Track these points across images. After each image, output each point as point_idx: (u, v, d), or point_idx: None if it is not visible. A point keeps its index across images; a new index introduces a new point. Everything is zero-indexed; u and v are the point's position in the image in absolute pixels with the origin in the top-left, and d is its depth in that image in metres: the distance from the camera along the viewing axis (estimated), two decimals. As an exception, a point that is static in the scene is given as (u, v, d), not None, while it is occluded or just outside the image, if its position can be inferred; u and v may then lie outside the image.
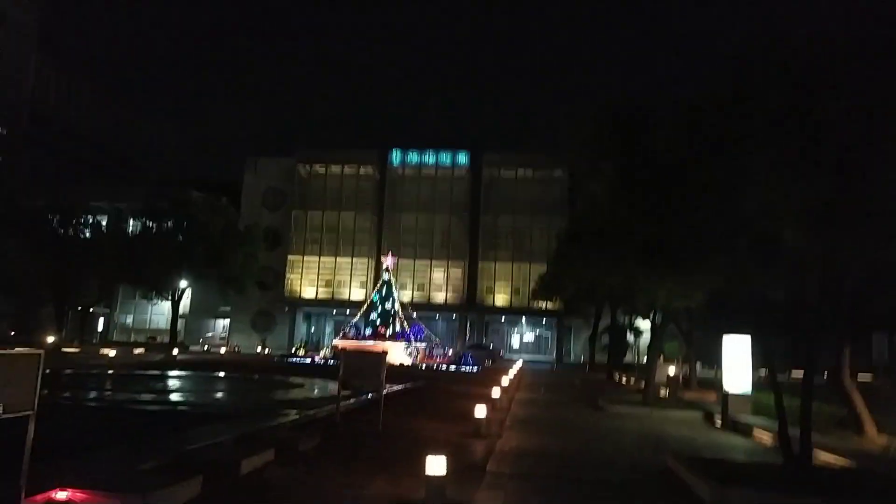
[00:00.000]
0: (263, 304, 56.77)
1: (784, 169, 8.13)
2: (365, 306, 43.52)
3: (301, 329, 58.58)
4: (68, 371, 22.49)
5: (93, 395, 16.64)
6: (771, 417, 13.39)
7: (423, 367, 34.81)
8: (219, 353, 42.85)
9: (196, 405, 14.77)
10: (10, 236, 41.44)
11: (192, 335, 56.64)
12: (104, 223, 49.27)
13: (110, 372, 22.69)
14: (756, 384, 15.43)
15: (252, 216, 55.21)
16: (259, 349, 47.81)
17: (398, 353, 37.42)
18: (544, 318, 56.40)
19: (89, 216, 44.14)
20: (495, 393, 15.50)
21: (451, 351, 44.77)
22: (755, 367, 15.31)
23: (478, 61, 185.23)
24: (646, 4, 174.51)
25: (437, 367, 35.78)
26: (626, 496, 7.52)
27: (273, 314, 57.25)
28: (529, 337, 61.73)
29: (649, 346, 22.38)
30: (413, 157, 57.41)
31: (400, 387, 18.95)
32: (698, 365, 26.39)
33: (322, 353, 39.46)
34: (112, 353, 28.35)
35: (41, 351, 5.24)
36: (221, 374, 23.98)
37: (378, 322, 40.75)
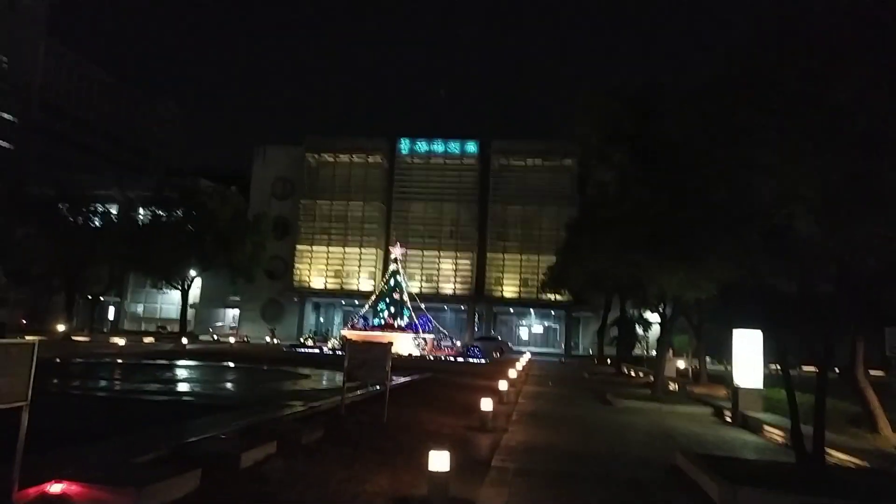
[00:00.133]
0: (273, 294, 57.00)
1: (799, 155, 7.90)
2: (373, 297, 43.49)
3: (310, 319, 58.75)
4: (78, 360, 22.63)
5: (99, 384, 16.65)
6: (782, 414, 13.18)
7: (431, 359, 34.75)
8: (228, 342, 43.00)
9: (201, 396, 14.75)
10: (22, 224, 41.69)
11: (202, 324, 56.97)
12: (114, 212, 49.46)
13: (119, 361, 22.76)
14: (767, 379, 15.19)
15: (261, 205, 55.26)
16: (268, 339, 47.96)
17: (406, 345, 37.37)
18: (553, 310, 56.20)
19: (99, 205, 44.27)
20: (502, 386, 15.39)
21: (458, 342, 44.69)
22: (766, 362, 15.07)
23: (487, 49, 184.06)
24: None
25: (445, 358, 35.70)
26: (634, 494, 7.36)
27: (282, 304, 57.43)
28: (538, 329, 61.59)
29: (658, 340, 22.15)
30: (422, 145, 57.15)
31: (406, 378, 18.87)
32: (708, 359, 26.13)
33: (330, 344, 39.48)
34: (121, 342, 28.47)
35: (35, 341, 5.15)
36: (229, 364, 23.99)
37: (386, 313, 40.71)
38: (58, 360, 21.83)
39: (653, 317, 33.36)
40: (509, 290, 55.29)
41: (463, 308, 56.41)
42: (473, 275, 55.54)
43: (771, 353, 14.66)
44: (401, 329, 39.39)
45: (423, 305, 43.85)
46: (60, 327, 36.98)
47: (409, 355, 35.19)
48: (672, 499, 7.25)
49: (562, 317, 56.24)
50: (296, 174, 58.07)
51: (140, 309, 61.75)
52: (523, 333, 61.17)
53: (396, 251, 42.46)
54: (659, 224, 11.00)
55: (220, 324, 59.78)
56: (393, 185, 57.22)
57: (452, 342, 43.61)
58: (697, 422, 14.12)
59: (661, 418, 14.23)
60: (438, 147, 56.91)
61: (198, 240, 40.74)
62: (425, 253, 55.70)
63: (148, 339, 37.76)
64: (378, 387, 13.73)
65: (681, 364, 28.02)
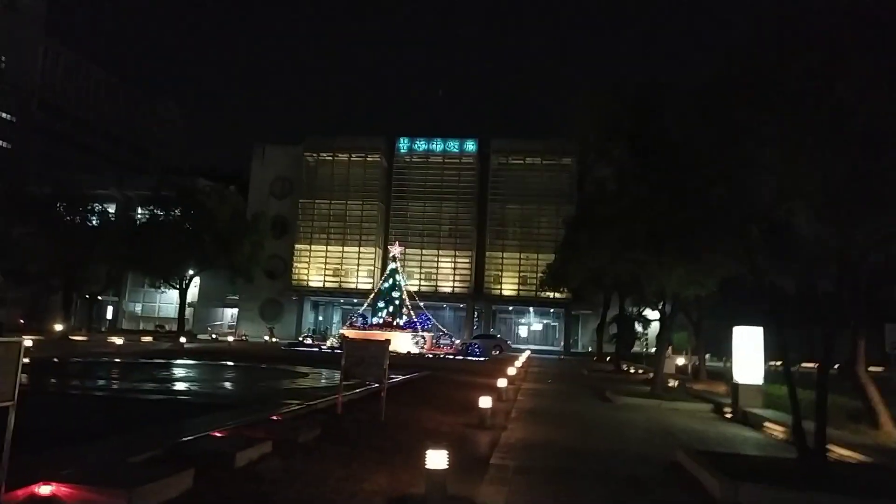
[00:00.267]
0: (271, 293, 56.90)
1: (799, 153, 7.84)
2: (372, 295, 43.43)
3: (309, 318, 58.68)
4: (76, 359, 22.55)
5: (96, 383, 16.56)
6: (782, 410, 13.11)
7: (431, 357, 34.68)
8: (226, 341, 42.91)
9: (198, 395, 14.66)
10: (20, 224, 41.56)
11: (201, 323, 56.88)
12: (113, 211, 49.28)
13: (116, 360, 22.67)
14: (767, 376, 15.13)
15: (259, 204, 55.17)
16: (267, 338, 47.90)
17: (405, 343, 37.32)
18: (552, 308, 56.13)
19: (98, 204, 44.16)
20: (501, 383, 15.31)
21: (458, 341, 44.64)
22: (766, 359, 15.01)
23: (486, 48, 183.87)
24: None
25: (444, 356, 35.63)
26: (634, 491, 7.26)
27: (281, 303, 57.34)
28: (537, 327, 61.54)
29: (658, 337, 22.09)
30: (420, 144, 56.97)
31: (405, 376, 18.78)
32: (707, 356, 26.08)
33: (329, 342, 39.41)
34: (119, 341, 28.36)
35: (21, 339, 5.05)
36: (227, 362, 23.91)
37: (385, 311, 40.67)
38: (56, 360, 21.79)
39: (652, 314, 33.34)
40: (508, 289, 55.22)
41: (462, 306, 56.35)
42: (472, 273, 55.45)
43: (771, 349, 14.61)
44: (400, 327, 39.34)
45: (422, 304, 43.81)
46: (58, 327, 36.84)
47: (409, 353, 35.13)
48: (672, 496, 7.16)
49: (561, 315, 56.19)
50: (294, 173, 57.96)
51: (138, 308, 61.62)
52: (522, 331, 61.12)
53: (395, 250, 42.42)
54: (658, 221, 10.92)
55: (218, 323, 59.68)
56: (392, 184, 57.11)
57: (451, 340, 43.56)
58: (697, 418, 14.03)
59: (661, 415, 14.14)
60: (437, 146, 56.76)
61: (196, 239, 40.64)
62: (424, 251, 55.61)
63: (146, 339, 37.65)
64: (376, 385, 13.68)
65: (680, 361, 27.98)
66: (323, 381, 18.13)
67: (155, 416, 10.09)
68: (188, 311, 50.67)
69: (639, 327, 36.85)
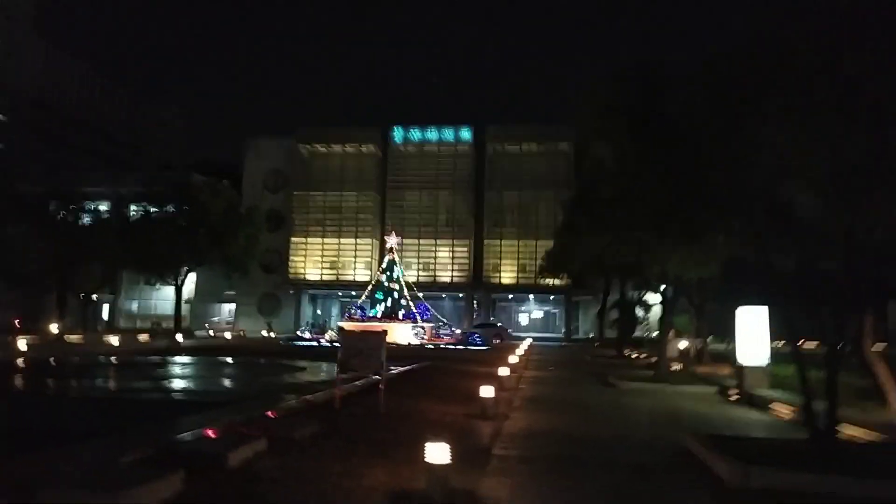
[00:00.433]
0: (269, 288, 56.60)
1: (807, 128, 7.60)
2: (370, 287, 43.18)
3: (307, 311, 58.43)
4: (72, 359, 22.37)
5: (90, 383, 16.33)
6: (788, 390, 12.94)
7: (431, 347, 34.50)
8: (224, 337, 42.68)
9: (194, 392, 14.47)
10: (12, 224, 41.13)
11: (199, 320, 56.56)
12: (105, 208, 48.76)
13: (112, 360, 22.47)
14: (771, 356, 14.94)
15: (254, 198, 54.64)
16: (265, 333, 47.67)
17: (404, 334, 37.14)
18: (552, 295, 55.91)
19: (90, 202, 43.74)
20: (503, 372, 15.07)
21: (458, 330, 44.49)
22: (771, 339, 14.81)
23: (478, 31, 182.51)
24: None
25: (445, 346, 35.46)
26: (641, 478, 7.06)
27: (278, 297, 57.07)
28: (537, 314, 61.38)
29: (660, 320, 21.88)
30: (415, 133, 56.43)
31: (404, 368, 18.58)
32: (710, 338, 25.91)
33: (328, 336, 39.21)
34: (115, 340, 28.11)
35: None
36: (224, 359, 23.71)
37: (383, 303, 40.45)
38: (52, 361, 21.59)
39: (653, 298, 33.14)
40: (507, 277, 54.98)
41: (461, 296, 56.12)
42: (471, 262, 55.17)
43: (774, 329, 14.42)
44: (399, 318, 39.13)
45: (420, 294, 43.60)
46: (53, 327, 36.57)
47: (408, 344, 34.94)
48: (681, 481, 6.96)
49: (561, 301, 56.00)
50: (288, 166, 57.51)
51: (135, 306, 61.16)
52: (523, 319, 60.97)
53: (392, 241, 42.13)
54: (659, 201, 10.67)
55: (216, 319, 59.34)
56: (387, 174, 56.66)
57: (451, 330, 43.40)
58: (702, 401, 13.87)
59: (666, 399, 13.96)
60: (432, 135, 56.23)
61: (190, 234, 40.23)
62: (422, 242, 55.28)
63: (142, 337, 37.37)
64: (375, 377, 13.44)
65: (683, 344, 27.79)
66: (321, 375, 17.93)
67: (147, 416, 9.89)
68: (185, 307, 50.29)
69: (640, 312, 36.62)
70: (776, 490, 6.32)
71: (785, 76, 7.61)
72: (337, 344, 31.50)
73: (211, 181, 45.06)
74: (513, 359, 18.86)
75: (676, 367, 20.23)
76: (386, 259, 42.48)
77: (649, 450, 8.48)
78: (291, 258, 56.17)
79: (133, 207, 46.31)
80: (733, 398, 14.14)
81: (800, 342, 8.89)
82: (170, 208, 42.03)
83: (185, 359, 23.58)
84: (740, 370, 14.19)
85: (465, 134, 56.05)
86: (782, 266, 9.87)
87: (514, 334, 45.99)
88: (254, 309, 56.96)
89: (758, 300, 14.25)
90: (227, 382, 17.87)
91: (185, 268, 43.22)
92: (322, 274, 56.31)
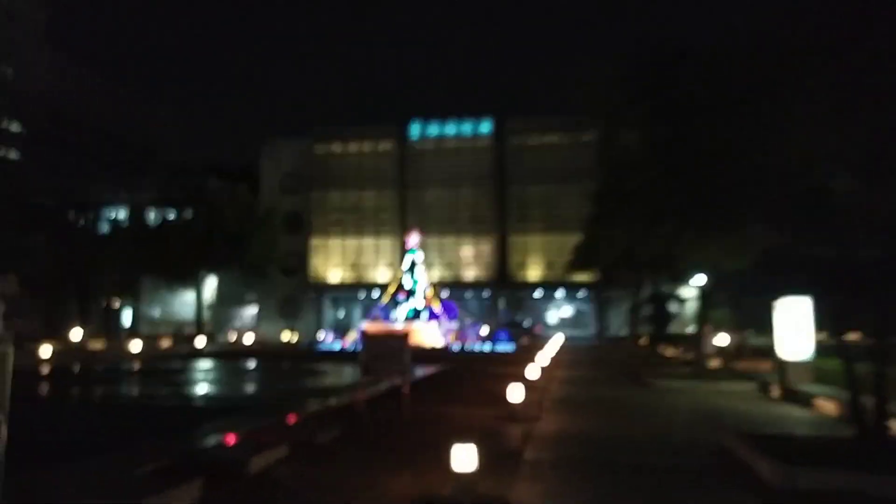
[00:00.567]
0: (289, 291, 56.06)
1: (844, 106, 7.16)
2: (392, 288, 42.79)
3: (329, 314, 57.80)
4: (94, 367, 22.61)
5: (109, 391, 16.38)
6: (832, 385, 12.34)
7: (457, 349, 34.14)
8: (245, 342, 42.84)
9: (213, 398, 14.41)
10: (33, 233, 41.92)
11: (220, 325, 56.32)
12: (124, 215, 49.27)
13: (133, 367, 22.59)
14: (816, 350, 14.29)
15: (271, 200, 53.92)
16: (286, 337, 47.64)
17: (429, 335, 36.75)
18: (581, 292, 54.88)
19: (108, 209, 44.43)
20: (532, 372, 14.68)
21: (484, 330, 44.03)
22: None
23: (495, 20, 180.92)
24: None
25: (471, 347, 35.06)
26: (680, 482, 6.67)
27: (300, 300, 56.64)
28: (567, 312, 60.31)
29: (697, 315, 21.24)
30: (433, 128, 55.12)
31: (430, 370, 18.28)
32: (748, 332, 25.14)
33: (350, 338, 39.01)
34: (136, 346, 28.18)
35: (10, 349, 4.60)
36: (245, 363, 23.67)
37: (407, 303, 40.09)
38: (74, 368, 21.80)
39: (688, 292, 32.33)
40: (534, 273, 53.94)
41: (486, 294, 55.33)
42: (496, 259, 54.26)
43: (816, 321, 13.79)
44: (423, 319, 38.79)
45: (444, 294, 43.11)
46: (75, 334, 37.07)
47: (433, 347, 34.64)
48: (722, 485, 6.54)
49: (591, 298, 54.86)
50: (305, 166, 56.68)
51: (157, 312, 61.16)
52: (551, 317, 60.00)
53: (413, 239, 41.69)
54: (692, 189, 10.20)
55: (237, 323, 59.51)
56: (405, 171, 55.57)
57: (478, 330, 42.97)
58: (742, 399, 13.48)
59: (704, 397, 13.55)
60: (450, 129, 54.95)
61: (208, 239, 40.33)
62: (444, 240, 54.23)
63: (164, 343, 37.75)
64: (399, 380, 13.18)
65: (721, 339, 27.01)
66: (344, 379, 17.74)
67: (167, 423, 9.80)
68: (207, 312, 50.51)
69: (674, 307, 35.79)
70: (823, 492, 5.97)
71: (818, 48, 7.18)
72: (360, 347, 31.45)
73: (227, 185, 45.19)
74: (542, 358, 18.45)
75: (714, 363, 19.58)
76: (408, 259, 42.00)
77: (687, 452, 8.14)
78: (311, 260, 55.78)
79: (150, 213, 46.81)
80: (775, 395, 13.56)
81: (843, 334, 8.42)
82: (187, 213, 42.38)
83: (207, 364, 23.60)
84: (781, 365, 13.57)
85: (485, 127, 54.85)
86: (822, 254, 9.38)
87: (544, 332, 45.35)
88: (275, 312, 56.41)
89: (799, 291, 13.62)
90: (247, 387, 17.81)
91: (204, 272, 43.42)
92: (343, 276, 55.98)
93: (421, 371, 17.20)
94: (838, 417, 10.30)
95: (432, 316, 39.26)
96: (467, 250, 54.50)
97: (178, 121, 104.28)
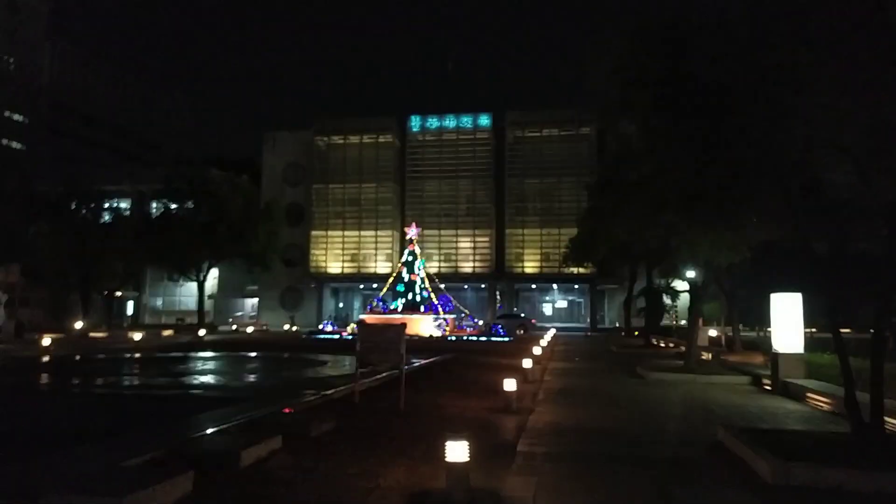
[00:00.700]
0: (290, 282, 56.54)
1: (846, 94, 7.09)
2: (391, 279, 42.90)
3: (329, 305, 58.38)
4: (95, 356, 22.58)
5: (108, 380, 16.28)
6: (825, 379, 12.38)
7: (453, 339, 34.18)
8: (246, 332, 42.92)
9: (213, 388, 14.34)
10: (36, 223, 41.78)
11: (222, 315, 56.94)
12: (126, 206, 49.18)
13: (135, 356, 22.58)
14: (806, 344, 14.32)
15: (273, 192, 54.60)
16: (287, 326, 47.79)
17: (427, 326, 36.83)
18: (577, 284, 55.07)
19: (111, 200, 44.31)
20: (527, 364, 14.71)
21: (481, 322, 44.05)
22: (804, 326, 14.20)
23: (494, 12, 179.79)
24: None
25: (467, 338, 35.11)
26: (674, 476, 6.63)
27: (301, 291, 57.04)
28: (562, 304, 60.61)
29: (689, 308, 21.25)
30: (433, 122, 55.57)
31: (426, 361, 18.29)
32: (741, 326, 25.19)
33: (350, 329, 39.06)
34: (138, 336, 28.26)
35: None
36: (246, 353, 23.67)
37: (405, 295, 40.16)
38: (77, 357, 21.80)
39: (681, 286, 32.39)
40: (530, 266, 54.23)
41: (483, 286, 55.56)
42: (493, 252, 54.51)
43: (808, 316, 13.81)
44: (421, 311, 38.83)
45: (442, 285, 43.22)
46: (78, 324, 37.06)
47: (430, 337, 34.67)
48: (717, 479, 6.52)
49: (586, 290, 55.11)
50: (306, 159, 57.19)
51: (159, 302, 61.82)
52: (547, 309, 60.26)
53: (412, 232, 41.75)
54: (689, 180, 10.13)
55: (239, 313, 59.70)
56: (405, 164, 56.08)
57: (474, 321, 42.99)
58: (735, 392, 13.40)
59: (697, 390, 13.48)
60: (450, 122, 55.34)
61: (210, 230, 40.43)
62: (442, 232, 54.70)
63: (166, 333, 37.71)
64: (396, 371, 13.16)
65: (713, 332, 27.12)
66: (343, 369, 17.71)
67: (162, 412, 9.73)
68: (209, 303, 50.60)
69: (667, 300, 35.85)
70: (819, 487, 5.96)
71: (821, 33, 7.10)
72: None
73: (229, 176, 45.18)
74: (537, 350, 18.49)
75: (707, 356, 19.64)
76: (406, 251, 42.09)
77: (682, 445, 8.08)
78: (312, 252, 56.08)
79: (154, 204, 46.78)
80: (768, 388, 13.60)
81: (838, 328, 8.39)
82: (189, 204, 42.33)
83: (207, 354, 23.59)
84: (775, 358, 13.60)
85: (484, 120, 55.17)
86: (818, 248, 9.33)
87: (539, 325, 45.41)
88: (276, 303, 57.13)
89: (789, 286, 13.62)
90: (246, 377, 17.75)
91: (207, 263, 43.55)
92: (343, 267, 56.19)
93: (417, 362, 17.17)
94: (832, 412, 10.26)
95: (430, 307, 39.29)
96: (465, 243, 54.62)
97: (181, 112, 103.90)
